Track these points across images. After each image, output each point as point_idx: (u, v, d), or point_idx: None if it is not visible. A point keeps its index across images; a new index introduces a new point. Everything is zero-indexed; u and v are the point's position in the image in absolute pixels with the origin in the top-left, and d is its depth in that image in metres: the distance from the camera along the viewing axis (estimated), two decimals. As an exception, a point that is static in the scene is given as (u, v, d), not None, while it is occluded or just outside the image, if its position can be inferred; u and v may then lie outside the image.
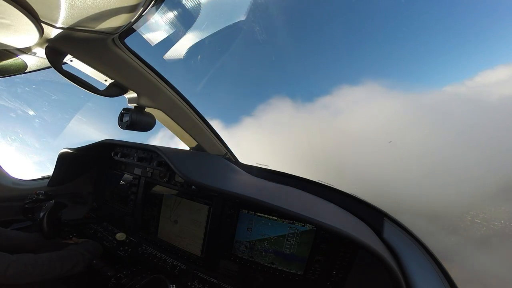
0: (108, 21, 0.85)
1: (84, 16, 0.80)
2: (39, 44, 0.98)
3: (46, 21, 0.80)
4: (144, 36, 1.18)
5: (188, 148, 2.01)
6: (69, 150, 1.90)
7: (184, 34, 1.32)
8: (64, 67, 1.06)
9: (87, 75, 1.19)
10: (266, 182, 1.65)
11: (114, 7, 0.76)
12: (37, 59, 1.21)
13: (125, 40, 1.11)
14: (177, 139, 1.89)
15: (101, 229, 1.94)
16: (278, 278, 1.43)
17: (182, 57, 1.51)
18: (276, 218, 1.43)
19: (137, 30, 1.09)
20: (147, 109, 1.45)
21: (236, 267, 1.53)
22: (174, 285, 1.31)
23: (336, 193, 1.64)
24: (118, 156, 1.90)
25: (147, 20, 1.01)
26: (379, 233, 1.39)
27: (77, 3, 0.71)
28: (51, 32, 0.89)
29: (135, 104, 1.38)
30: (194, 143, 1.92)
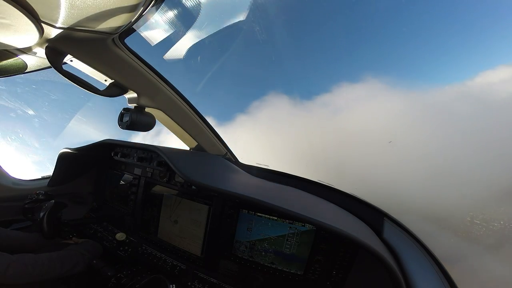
0: (108, 21, 0.85)
1: (84, 16, 0.80)
2: (39, 44, 0.98)
3: (46, 21, 0.80)
4: (144, 36, 1.18)
5: (188, 148, 2.02)
6: (69, 150, 1.90)
7: (184, 34, 1.32)
8: (64, 67, 1.06)
9: (87, 75, 1.19)
10: (266, 182, 1.65)
11: (114, 7, 0.76)
12: (37, 59, 1.21)
13: (125, 40, 1.11)
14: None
15: (101, 229, 1.94)
16: (278, 278, 1.43)
17: (182, 57, 1.51)
18: (276, 218, 1.43)
19: (137, 30, 1.09)
20: (147, 109, 1.45)
21: (236, 267, 1.53)
22: (174, 285, 1.31)
23: (336, 193, 1.64)
24: (118, 156, 1.90)
25: (147, 20, 1.01)
26: (379, 233, 1.39)
27: (77, 3, 0.71)
28: (51, 32, 0.89)
29: (135, 104, 1.38)
30: (194, 143, 1.92)
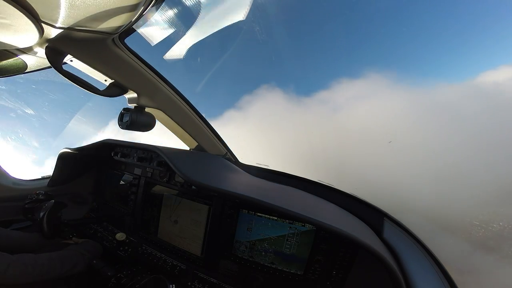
0: (108, 21, 0.85)
1: (84, 16, 0.80)
2: (39, 44, 0.98)
3: (46, 21, 0.80)
4: (144, 36, 1.18)
5: (188, 148, 2.02)
6: (69, 150, 1.90)
7: (184, 34, 1.32)
8: (64, 67, 1.06)
9: (87, 75, 1.19)
10: (266, 182, 1.65)
11: (114, 7, 0.76)
12: (37, 59, 1.21)
13: (125, 40, 1.11)
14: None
15: (101, 229, 1.94)
16: (278, 278, 1.43)
17: (182, 57, 1.51)
18: (276, 218, 1.43)
19: (137, 30, 1.09)
20: (147, 109, 1.45)
21: (236, 267, 1.53)
22: (174, 285, 1.31)
23: (336, 193, 1.64)
24: (118, 156, 1.90)
25: (147, 20, 1.01)
26: (379, 233, 1.39)
27: (77, 3, 0.71)
28: (51, 32, 0.89)
29: (135, 104, 1.38)
30: (194, 143, 1.92)
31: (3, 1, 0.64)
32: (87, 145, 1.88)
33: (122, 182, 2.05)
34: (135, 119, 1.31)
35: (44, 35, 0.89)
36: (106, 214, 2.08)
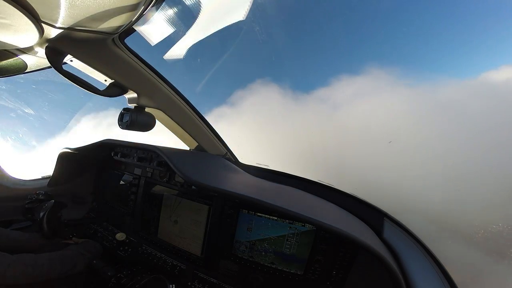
0: (108, 21, 0.85)
1: (84, 16, 0.80)
2: (39, 44, 0.98)
3: (46, 21, 0.80)
4: (144, 36, 1.18)
5: (188, 148, 2.02)
6: (69, 150, 1.90)
7: (184, 33, 1.32)
8: (64, 67, 1.06)
9: (87, 75, 1.19)
10: (266, 182, 1.65)
11: (114, 7, 0.76)
12: (37, 59, 1.21)
13: (125, 40, 1.11)
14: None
15: (101, 229, 1.94)
16: (278, 278, 1.43)
17: (182, 57, 1.50)
18: (276, 218, 1.43)
19: (137, 30, 1.09)
20: (147, 109, 1.45)
21: (236, 267, 1.53)
22: (173, 285, 1.31)
23: (336, 193, 1.64)
24: (118, 156, 1.90)
25: (147, 20, 1.01)
26: (379, 233, 1.39)
27: (77, 3, 0.71)
28: (51, 32, 0.89)
29: (135, 104, 1.38)
30: (194, 143, 1.92)
31: (3, 1, 0.64)
32: (87, 145, 1.88)
33: (122, 182, 2.05)
34: (135, 119, 1.31)
35: (44, 35, 0.89)
36: (106, 214, 2.08)
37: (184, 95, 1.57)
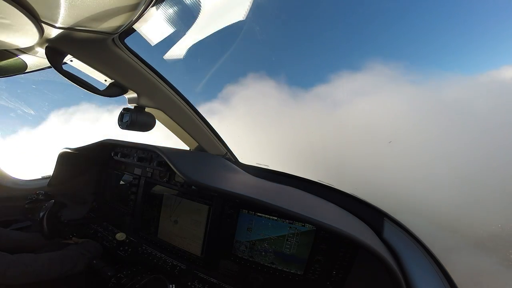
0: (108, 21, 0.85)
1: (84, 16, 0.80)
2: (39, 44, 0.97)
3: (46, 21, 0.80)
4: (144, 36, 1.18)
5: (188, 148, 2.01)
6: (69, 150, 1.90)
7: (185, 33, 1.31)
8: (64, 67, 1.06)
9: (87, 75, 1.19)
10: (266, 182, 1.65)
11: (114, 7, 0.76)
12: (37, 59, 1.21)
13: (125, 40, 1.11)
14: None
15: (101, 229, 1.94)
16: (278, 278, 1.43)
17: (182, 57, 1.50)
18: (276, 218, 1.43)
19: (137, 30, 1.08)
20: (147, 109, 1.45)
21: (236, 267, 1.53)
22: (173, 285, 1.31)
23: (336, 193, 1.64)
24: (118, 156, 1.90)
25: (147, 20, 1.01)
26: (379, 233, 1.39)
27: (77, 3, 0.71)
28: (51, 32, 0.89)
29: (135, 104, 1.38)
30: (194, 143, 1.92)
31: (3, 1, 0.64)
32: (87, 145, 1.88)
33: (122, 182, 2.05)
34: (135, 119, 1.31)
35: (44, 35, 0.89)
36: (106, 214, 2.08)
37: (184, 95, 1.57)
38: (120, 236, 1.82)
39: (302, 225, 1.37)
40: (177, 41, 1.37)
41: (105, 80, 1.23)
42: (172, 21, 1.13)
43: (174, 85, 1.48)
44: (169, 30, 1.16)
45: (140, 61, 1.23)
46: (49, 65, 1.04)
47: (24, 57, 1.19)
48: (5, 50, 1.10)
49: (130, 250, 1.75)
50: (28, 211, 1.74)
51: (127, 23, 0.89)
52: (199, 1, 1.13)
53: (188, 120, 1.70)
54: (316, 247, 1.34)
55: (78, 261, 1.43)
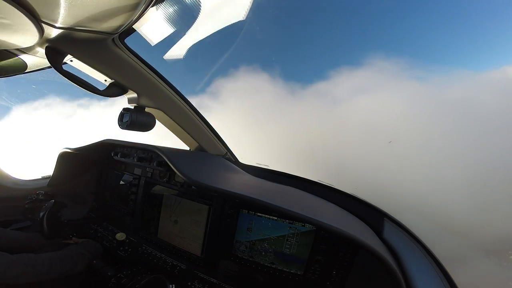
0: (108, 21, 0.85)
1: (84, 16, 0.80)
2: (39, 44, 0.97)
3: (46, 21, 0.80)
4: (144, 36, 1.18)
5: (188, 148, 2.01)
6: (69, 150, 1.90)
7: (185, 33, 1.31)
8: (64, 67, 1.06)
9: (87, 75, 1.19)
10: (266, 182, 1.65)
11: (114, 6, 0.76)
12: (37, 59, 1.21)
13: (125, 40, 1.11)
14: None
15: (101, 229, 1.94)
16: (278, 278, 1.43)
17: (182, 57, 1.50)
18: (276, 218, 1.43)
19: (137, 30, 1.08)
20: (147, 109, 1.45)
21: (236, 267, 1.53)
22: (173, 285, 1.31)
23: (336, 193, 1.64)
24: (118, 156, 1.90)
25: (147, 20, 1.00)
26: (379, 233, 1.39)
27: (77, 3, 0.71)
28: (51, 32, 0.89)
29: (135, 104, 1.38)
30: (194, 143, 1.92)
31: (3, 1, 0.64)
32: (87, 145, 1.88)
33: (122, 182, 2.05)
34: (135, 119, 1.30)
35: (44, 35, 0.89)
36: (106, 214, 2.08)
37: (184, 95, 1.57)
38: (120, 236, 1.82)
39: (302, 225, 1.37)
40: (177, 41, 1.37)
41: (105, 80, 1.23)
42: (172, 21, 1.13)
43: (174, 85, 1.48)
44: (169, 30, 1.16)
45: (140, 61, 1.23)
46: (49, 65, 1.04)
47: (24, 57, 1.19)
48: (5, 50, 1.10)
49: (130, 250, 1.75)
50: (28, 211, 1.73)
51: (127, 23, 0.89)
52: (199, 1, 1.13)
53: (188, 120, 1.70)
54: (316, 247, 1.34)
55: (78, 261, 1.43)
